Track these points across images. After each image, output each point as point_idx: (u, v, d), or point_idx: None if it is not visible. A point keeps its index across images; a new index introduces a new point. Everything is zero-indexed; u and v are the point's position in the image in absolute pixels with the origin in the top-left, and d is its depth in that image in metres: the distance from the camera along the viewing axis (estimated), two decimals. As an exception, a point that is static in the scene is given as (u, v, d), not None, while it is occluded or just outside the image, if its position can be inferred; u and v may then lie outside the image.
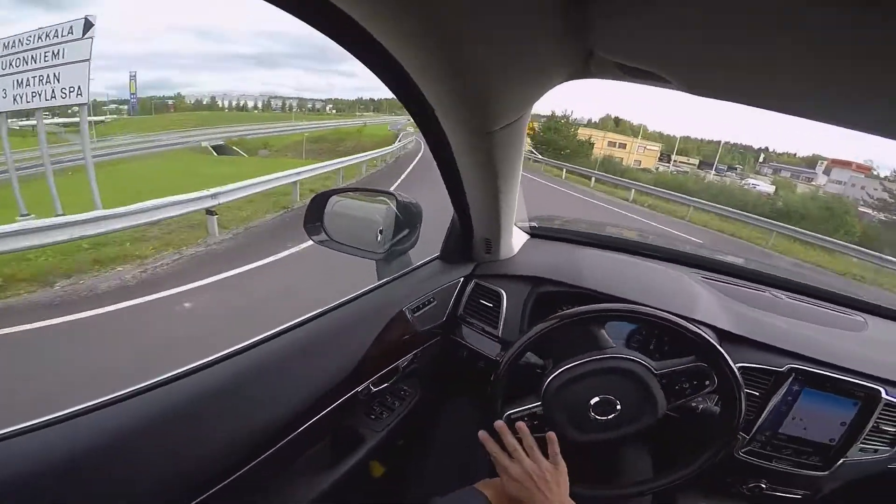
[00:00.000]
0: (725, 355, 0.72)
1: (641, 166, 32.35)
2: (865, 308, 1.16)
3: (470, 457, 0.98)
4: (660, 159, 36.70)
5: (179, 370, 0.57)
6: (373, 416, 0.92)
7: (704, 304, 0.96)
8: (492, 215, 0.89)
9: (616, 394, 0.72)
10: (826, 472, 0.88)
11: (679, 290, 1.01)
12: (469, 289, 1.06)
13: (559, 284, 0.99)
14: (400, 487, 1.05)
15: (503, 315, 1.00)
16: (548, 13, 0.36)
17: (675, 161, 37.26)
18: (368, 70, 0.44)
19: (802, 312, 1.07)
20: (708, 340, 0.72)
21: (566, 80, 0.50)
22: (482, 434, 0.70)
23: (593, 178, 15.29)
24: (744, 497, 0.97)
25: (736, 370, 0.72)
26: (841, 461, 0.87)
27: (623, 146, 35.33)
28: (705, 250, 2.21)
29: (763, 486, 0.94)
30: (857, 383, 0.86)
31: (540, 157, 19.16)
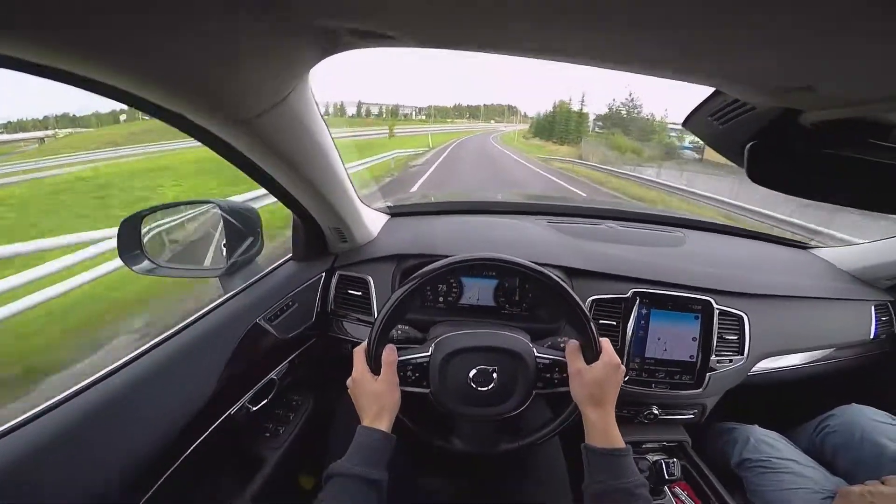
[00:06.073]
0: (568, 288, 0.70)
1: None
2: (681, 223, 1.36)
3: None
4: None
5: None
6: (268, 434, 0.92)
7: (549, 246, 1.07)
8: (326, 205, 0.83)
9: (495, 366, 0.70)
10: (701, 389, 0.95)
11: (525, 238, 1.11)
12: (334, 282, 1.03)
13: (419, 256, 1.00)
14: None
15: (374, 299, 0.98)
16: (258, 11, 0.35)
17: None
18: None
19: (634, 237, 1.21)
20: (551, 277, 0.70)
21: (314, 62, 0.49)
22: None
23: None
24: (645, 426, 1.01)
25: (577, 298, 0.69)
26: (708, 376, 0.95)
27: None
28: (550, 198, 2.47)
29: (656, 412, 1.00)
30: (691, 297, 0.96)
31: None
